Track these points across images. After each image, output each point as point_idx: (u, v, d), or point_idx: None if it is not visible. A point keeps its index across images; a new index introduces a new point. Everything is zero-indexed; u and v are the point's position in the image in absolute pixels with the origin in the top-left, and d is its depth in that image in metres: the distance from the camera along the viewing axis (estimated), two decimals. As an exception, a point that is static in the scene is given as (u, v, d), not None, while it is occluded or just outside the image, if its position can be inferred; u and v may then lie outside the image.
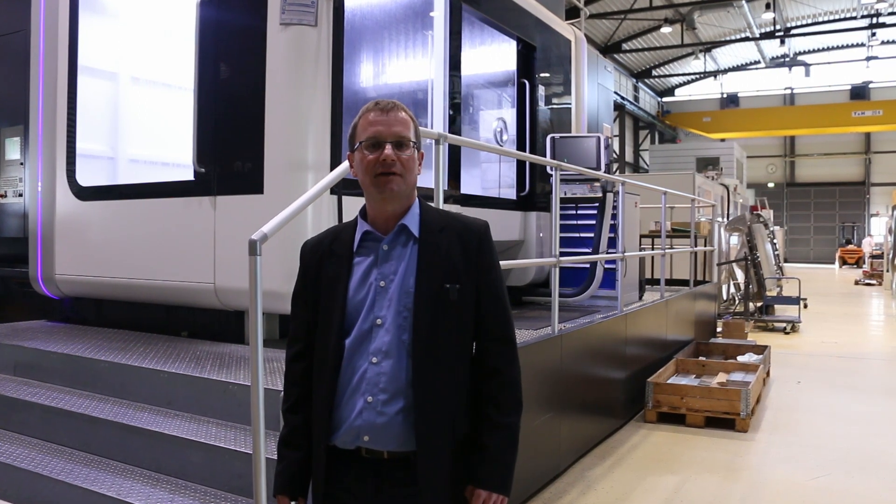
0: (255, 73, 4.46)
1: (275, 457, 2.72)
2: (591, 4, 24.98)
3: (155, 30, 6.15)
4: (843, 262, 33.65)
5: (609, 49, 29.26)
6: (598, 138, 7.01)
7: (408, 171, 1.84)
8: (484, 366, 1.88)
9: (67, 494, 3.32)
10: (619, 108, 31.26)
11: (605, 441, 5.52)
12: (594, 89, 9.11)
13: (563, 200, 7.19)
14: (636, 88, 35.04)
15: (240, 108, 4.58)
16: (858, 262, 31.85)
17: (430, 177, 5.71)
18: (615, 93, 25.39)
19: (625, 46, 30.38)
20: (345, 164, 3.00)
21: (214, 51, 4.69)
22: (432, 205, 1.98)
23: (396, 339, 1.79)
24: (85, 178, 5.57)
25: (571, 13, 13.99)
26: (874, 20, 29.31)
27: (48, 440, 3.90)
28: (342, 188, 4.40)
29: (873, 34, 30.92)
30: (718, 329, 10.05)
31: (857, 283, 24.02)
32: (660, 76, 36.50)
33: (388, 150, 1.81)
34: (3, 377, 4.66)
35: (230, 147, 4.61)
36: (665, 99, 38.80)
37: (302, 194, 4.29)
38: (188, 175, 5.00)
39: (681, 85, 39.34)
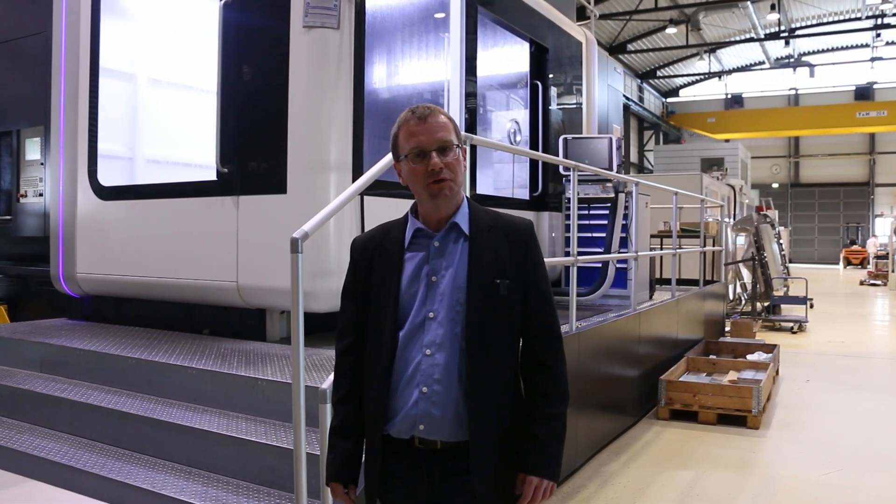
0: (278, 75, 4.54)
1: (314, 452, 2.82)
2: (598, 5, 25.03)
3: (175, 32, 6.23)
4: (848, 263, 33.69)
5: (614, 50, 29.33)
6: (610, 139, 7.08)
7: (455, 173, 1.90)
8: (532, 359, 1.95)
9: (102, 487, 3.41)
10: (623, 108, 31.31)
11: (619, 437, 5.60)
12: (604, 90, 9.20)
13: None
14: (641, 89, 35.10)
15: (263, 109, 4.66)
16: (863, 263, 31.88)
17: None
18: (620, 93, 25.50)
19: (630, 47, 30.43)
20: (380, 164, 3.08)
21: (237, 53, 4.77)
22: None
23: (450, 332, 1.85)
24: (106, 179, 5.65)
25: (580, 14, 14.05)
26: (879, 21, 29.34)
27: (79, 435, 3.98)
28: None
29: (878, 35, 30.96)
30: (727, 328, 10.11)
31: (861, 283, 24.07)
32: (664, 77, 36.55)
33: (435, 158, 1.85)
34: (30, 374, 4.75)
35: (253, 148, 4.69)
36: (669, 99, 38.87)
37: (324, 194, 4.44)
38: (207, 175, 5.08)
39: (685, 85, 39.40)
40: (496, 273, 1.88)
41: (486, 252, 1.89)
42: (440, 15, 5.99)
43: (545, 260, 6.12)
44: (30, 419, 4.28)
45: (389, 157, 3.25)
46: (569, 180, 7.27)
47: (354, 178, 4.48)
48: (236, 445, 3.36)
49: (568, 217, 7.36)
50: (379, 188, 4.28)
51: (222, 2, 4.81)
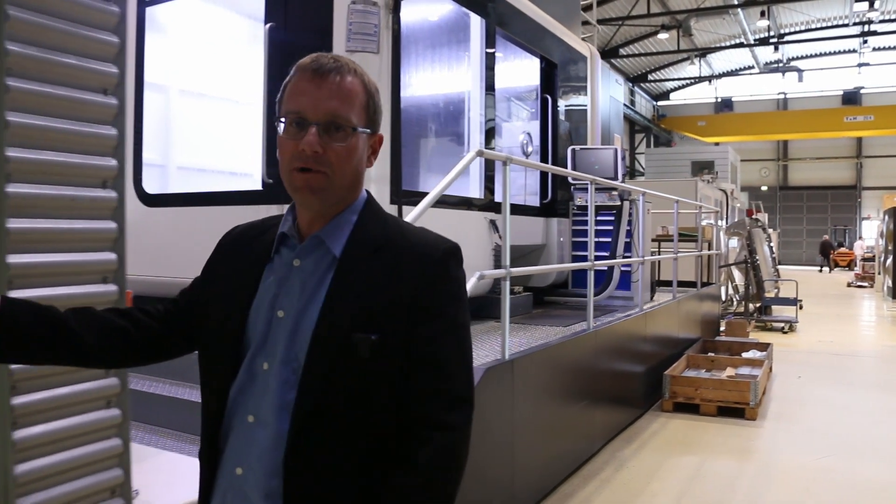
0: (322, 95, 4.95)
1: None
2: (589, 11, 25.54)
3: (218, 48, 6.64)
4: (835, 265, 34.37)
5: (607, 54, 29.85)
6: (616, 150, 7.57)
7: (338, 167, 1.31)
8: (398, 452, 1.30)
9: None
10: (616, 112, 31.80)
11: (629, 427, 6.06)
12: (606, 101, 9.66)
13: (581, 208, 7.77)
14: (632, 92, 35.66)
15: (308, 125, 5.07)
16: (850, 265, 32.56)
17: (464, 185, 6.24)
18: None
19: (622, 51, 31.02)
20: (447, 179, 3.50)
21: (282, 72, 5.15)
22: (389, 212, 1.47)
23: (280, 399, 1.28)
24: (150, 186, 6.06)
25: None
26: (866, 28, 30.05)
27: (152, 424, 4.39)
28: (402, 196, 4.94)
29: (865, 41, 31.66)
30: (722, 328, 10.60)
31: (849, 285, 24.67)
32: (656, 81, 37.19)
33: (312, 136, 1.28)
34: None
35: (298, 160, 5.10)
36: (660, 103, 39.48)
37: (365, 204, 4.86)
38: (242, 182, 5.48)
39: (676, 89, 40.02)
40: (360, 322, 1.27)
41: (356, 287, 1.29)
42: (469, 36, 6.44)
43: (570, 264, 6.58)
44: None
45: (455, 171, 3.69)
46: (577, 189, 7.76)
47: (392, 190, 4.93)
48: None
49: (574, 223, 7.87)
50: (419, 197, 4.73)
51: (268, 25, 5.24)
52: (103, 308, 1.46)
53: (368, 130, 1.37)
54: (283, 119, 1.32)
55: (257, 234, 1.44)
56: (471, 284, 3.80)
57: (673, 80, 37.48)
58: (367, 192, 1.43)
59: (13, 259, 1.74)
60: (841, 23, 31.07)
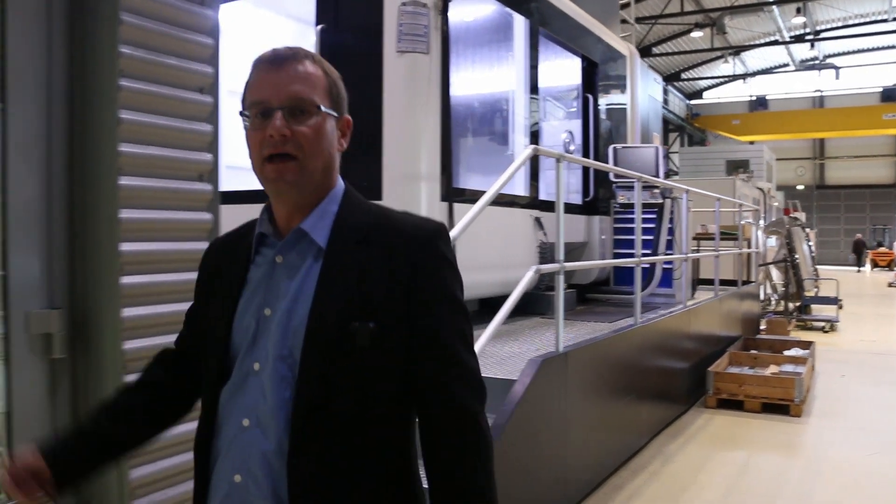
0: (374, 94, 5.08)
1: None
2: (625, 9, 25.46)
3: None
4: (875, 265, 33.83)
5: (640, 53, 29.66)
6: (657, 149, 7.61)
7: (310, 150, 1.27)
8: (426, 452, 1.29)
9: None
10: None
11: (674, 423, 6.10)
12: (645, 100, 9.69)
13: (623, 206, 7.82)
14: (666, 91, 35.38)
15: (360, 124, 5.15)
16: (890, 265, 32.04)
17: (509, 183, 6.30)
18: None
19: (655, 50, 30.87)
20: (504, 177, 3.57)
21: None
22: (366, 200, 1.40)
23: (276, 397, 1.24)
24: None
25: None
26: (905, 23, 29.57)
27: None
28: (453, 195, 5.05)
29: (904, 37, 31.13)
30: (762, 327, 10.56)
31: (890, 285, 24.24)
32: (689, 79, 36.90)
33: (278, 121, 1.24)
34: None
35: (352, 159, 5.20)
36: (694, 102, 39.15)
37: (416, 201, 4.98)
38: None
39: (710, 88, 39.68)
40: (357, 310, 1.24)
41: (347, 276, 1.26)
42: (514, 36, 6.53)
43: (614, 261, 6.64)
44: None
45: (512, 168, 3.79)
46: (619, 187, 7.81)
47: (443, 188, 5.03)
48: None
49: (615, 221, 7.92)
50: (471, 196, 4.82)
51: (319, 27, 5.37)
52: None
53: (335, 113, 1.33)
54: (247, 113, 1.29)
55: (238, 240, 1.40)
56: (525, 280, 3.89)
57: (706, 78, 37.16)
58: (344, 180, 1.38)
59: (125, 247, 1.86)
60: (879, 18, 30.58)
